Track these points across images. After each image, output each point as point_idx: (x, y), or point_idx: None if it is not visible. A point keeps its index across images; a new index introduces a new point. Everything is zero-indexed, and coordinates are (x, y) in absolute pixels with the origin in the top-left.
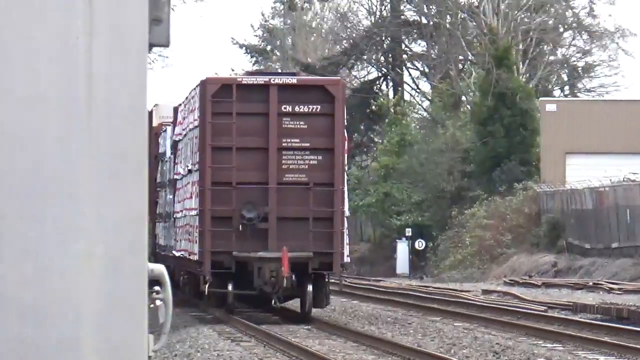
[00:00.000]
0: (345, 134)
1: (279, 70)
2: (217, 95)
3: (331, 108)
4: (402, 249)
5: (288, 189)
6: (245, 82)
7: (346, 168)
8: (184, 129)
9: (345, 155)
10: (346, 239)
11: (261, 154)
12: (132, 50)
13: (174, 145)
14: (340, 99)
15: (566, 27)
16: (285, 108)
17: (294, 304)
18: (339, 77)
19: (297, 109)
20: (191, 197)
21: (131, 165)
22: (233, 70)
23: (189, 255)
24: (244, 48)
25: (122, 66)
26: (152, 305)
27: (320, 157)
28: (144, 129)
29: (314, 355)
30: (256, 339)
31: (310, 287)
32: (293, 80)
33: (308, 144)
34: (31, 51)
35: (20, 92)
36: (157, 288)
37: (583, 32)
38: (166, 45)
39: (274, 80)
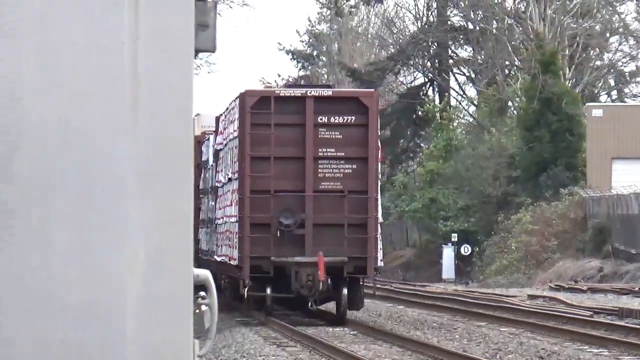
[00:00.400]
0: (379, 144)
1: (325, 76)
2: (256, 107)
3: (365, 119)
4: (447, 254)
5: (324, 197)
6: (283, 95)
7: (379, 176)
8: (224, 139)
9: (379, 164)
10: (380, 244)
11: (298, 163)
12: (177, 55)
13: (216, 153)
14: (374, 110)
15: (613, 32)
16: (321, 119)
17: (330, 307)
18: (373, 89)
19: (332, 119)
20: (231, 205)
21: (177, 168)
22: (279, 75)
23: (229, 260)
24: (290, 54)
25: (168, 71)
26: (197, 311)
27: (354, 166)
28: (190, 133)
29: None
30: (302, 344)
31: (345, 290)
32: (328, 92)
33: (343, 154)
34: (77, 55)
35: (66, 96)
36: (202, 293)
37: (630, 37)
38: (212, 50)
39: (310, 93)
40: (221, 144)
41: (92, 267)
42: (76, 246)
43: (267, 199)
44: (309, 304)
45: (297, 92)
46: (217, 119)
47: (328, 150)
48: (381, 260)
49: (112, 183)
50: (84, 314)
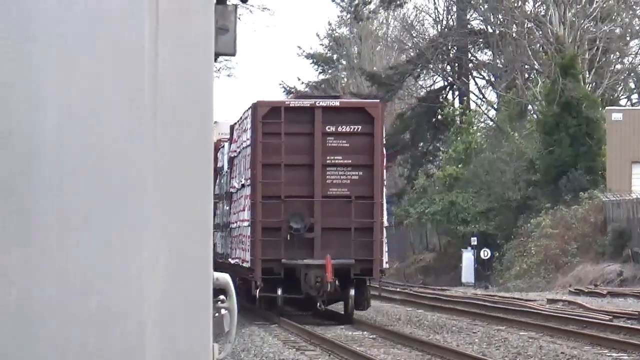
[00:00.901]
0: (384, 151)
1: (345, 79)
2: (267, 117)
3: (371, 128)
4: (467, 258)
5: (332, 202)
6: (293, 105)
7: (385, 182)
8: (238, 147)
9: (384, 171)
10: (385, 247)
11: (307, 170)
12: (198, 59)
13: (230, 160)
14: (379, 119)
15: (633, 35)
16: (329, 128)
17: (339, 307)
18: (378, 100)
19: (339, 129)
20: (244, 210)
21: (196, 173)
22: (299, 79)
23: (242, 263)
24: (310, 57)
25: (188, 75)
26: (217, 314)
27: (361, 173)
28: (210, 137)
29: None
30: (321, 347)
31: (352, 291)
32: (336, 103)
33: (350, 161)
34: (97, 59)
35: (85, 101)
36: (222, 297)
37: None
38: (232, 54)
39: (318, 103)
40: (235, 151)
41: (111, 272)
42: (95, 250)
43: (277, 204)
44: (318, 304)
45: (306, 102)
46: (232, 128)
47: (336, 158)
48: (386, 263)
49: (131, 187)
50: (103, 319)
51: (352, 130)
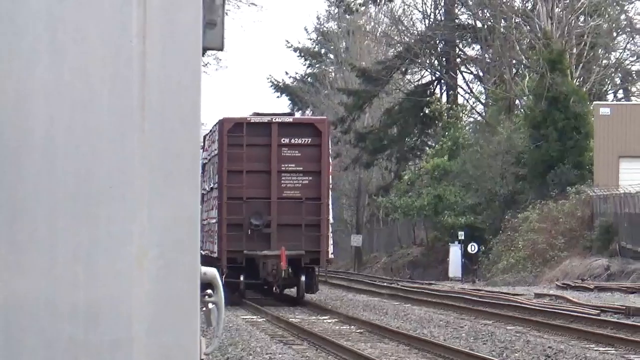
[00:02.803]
0: (330, 160)
1: (333, 74)
2: (232, 131)
3: (319, 141)
4: (454, 252)
5: (286, 202)
6: (253, 121)
7: (330, 186)
8: (209, 155)
9: (330, 176)
10: (330, 241)
11: (265, 175)
12: (186, 53)
13: (203, 166)
14: (325, 133)
15: (620, 31)
16: (283, 140)
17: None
18: (325, 117)
19: (292, 141)
20: (213, 209)
21: (184, 167)
22: (287, 73)
23: (211, 254)
24: (298, 51)
25: (176, 69)
26: (204, 309)
27: (310, 178)
28: (198, 131)
29: (367, 359)
30: (308, 342)
31: (303, 278)
32: (290, 119)
33: (301, 168)
34: (84, 54)
35: (73, 95)
36: (209, 291)
37: (637, 36)
38: (220, 49)
39: (274, 119)
40: (206, 158)
41: (99, 266)
42: (83, 245)
43: (240, 204)
44: (274, 288)
45: (265, 119)
46: (204, 137)
47: (289, 165)
48: (332, 254)
49: (119, 181)
50: (90, 313)
51: (303, 142)
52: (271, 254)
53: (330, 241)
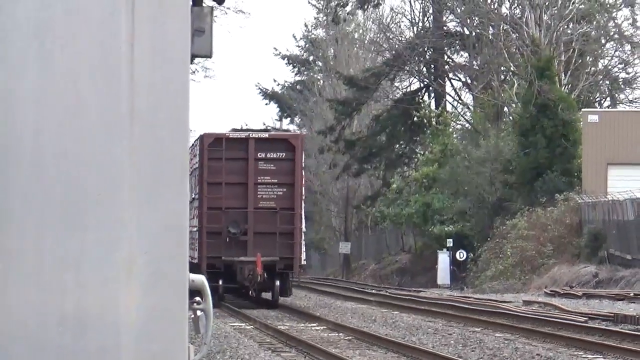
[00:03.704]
0: (303, 173)
1: (321, 82)
2: (212, 145)
3: (292, 155)
4: (443, 259)
5: (261, 212)
6: (232, 137)
7: (303, 197)
8: (191, 167)
9: (303, 188)
10: (303, 248)
11: (242, 187)
12: (174, 60)
13: None
14: (299, 148)
15: (608, 38)
16: (260, 155)
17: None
18: (299, 132)
19: (268, 155)
20: (194, 218)
21: (173, 174)
22: (275, 81)
23: (192, 260)
24: (286, 59)
25: (164, 76)
26: (192, 316)
27: (284, 190)
28: (186, 139)
29: None
30: (297, 349)
31: (277, 282)
32: (265, 135)
33: (276, 180)
34: (74, 60)
35: (63, 101)
36: (197, 299)
37: (625, 43)
38: (209, 56)
39: (251, 135)
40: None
41: (87, 274)
42: (72, 253)
43: (219, 213)
44: (250, 292)
45: (242, 134)
46: None
47: (265, 177)
48: (304, 260)
49: (108, 189)
50: (79, 320)
51: (278, 156)
52: (248, 260)
53: (303, 248)
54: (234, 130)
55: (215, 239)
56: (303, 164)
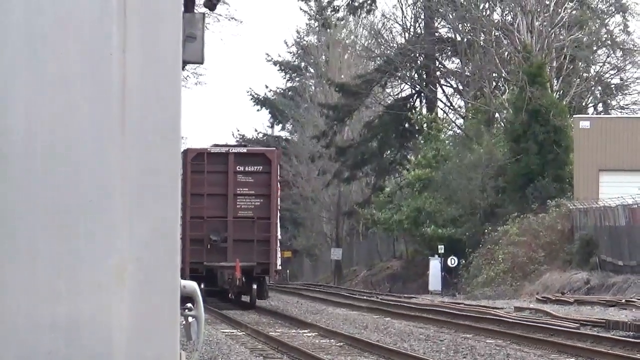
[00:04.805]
0: (278, 185)
1: (313, 88)
2: (195, 159)
3: (269, 168)
4: (434, 265)
5: (240, 221)
6: (213, 152)
7: (279, 207)
8: None
9: (279, 198)
10: (278, 254)
11: (223, 198)
12: (166, 66)
13: None
14: (275, 161)
15: (600, 44)
16: (239, 168)
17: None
18: (274, 148)
19: (246, 168)
20: None
21: (164, 181)
22: (267, 87)
23: None
24: (278, 65)
25: (156, 82)
26: (184, 322)
27: (261, 200)
28: (178, 146)
29: None
30: (288, 355)
31: (255, 286)
32: (244, 150)
33: (254, 192)
34: (66, 67)
35: (54, 108)
36: (189, 305)
37: (617, 49)
38: (200, 62)
39: (231, 150)
40: None
41: (79, 281)
42: (64, 259)
43: (201, 222)
44: (230, 295)
45: (223, 149)
46: None
47: (243, 189)
48: (280, 265)
49: (100, 195)
50: (71, 326)
51: (255, 169)
52: (227, 265)
53: (278, 254)
54: (215, 145)
55: (198, 246)
56: (279, 176)
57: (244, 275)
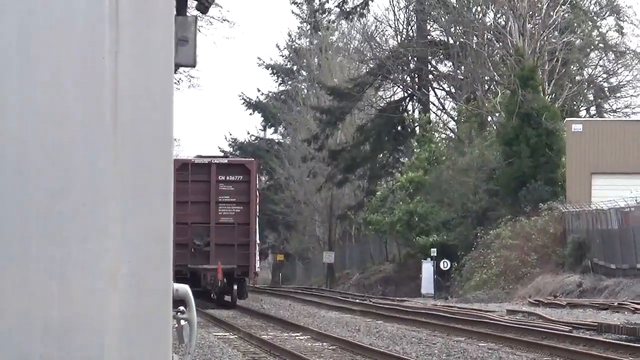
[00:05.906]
0: (257, 193)
1: (305, 91)
2: (180, 169)
3: (248, 178)
4: (427, 269)
5: (222, 227)
6: (197, 162)
7: (257, 213)
8: None
9: (257, 205)
10: (257, 257)
11: (206, 205)
12: (158, 69)
13: None
14: (253, 171)
15: (592, 47)
16: (220, 177)
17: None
18: (253, 159)
19: (227, 178)
20: None
21: (157, 184)
22: (259, 90)
23: None
24: (270, 68)
25: (148, 85)
26: (176, 325)
27: (241, 207)
28: (170, 148)
29: None
30: (280, 358)
31: (235, 287)
32: (225, 161)
33: (234, 200)
34: (57, 71)
35: (46, 112)
36: (181, 308)
37: (609, 52)
38: (192, 65)
39: (213, 161)
40: None
41: (72, 284)
42: (56, 262)
43: (186, 227)
44: (212, 295)
45: (206, 160)
46: None
47: (225, 197)
48: (259, 268)
49: (93, 199)
50: (63, 330)
51: (235, 179)
52: (210, 268)
53: (257, 257)
54: (199, 156)
55: (182, 250)
56: (257, 185)
57: (225, 277)
